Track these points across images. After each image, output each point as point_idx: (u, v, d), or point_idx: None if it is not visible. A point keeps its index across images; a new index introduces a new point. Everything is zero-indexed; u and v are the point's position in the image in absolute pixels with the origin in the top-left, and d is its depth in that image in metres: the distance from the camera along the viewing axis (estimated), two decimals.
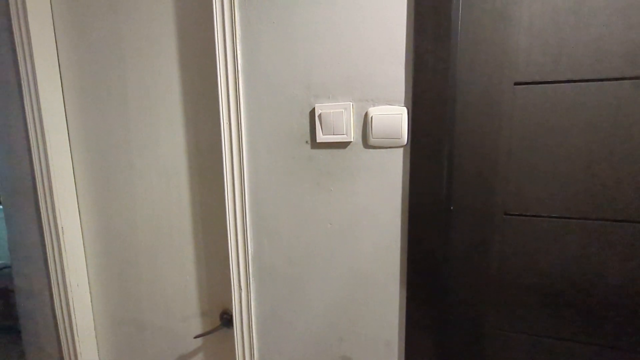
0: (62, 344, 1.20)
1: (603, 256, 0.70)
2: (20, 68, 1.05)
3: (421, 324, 0.78)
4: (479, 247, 0.77)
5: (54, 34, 1.08)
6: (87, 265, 1.20)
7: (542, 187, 0.71)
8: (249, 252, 0.89)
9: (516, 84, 0.70)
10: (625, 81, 0.65)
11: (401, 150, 0.74)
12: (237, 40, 0.81)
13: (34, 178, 1.12)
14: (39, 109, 1.06)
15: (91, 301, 1.22)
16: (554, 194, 0.71)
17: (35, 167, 1.10)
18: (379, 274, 0.80)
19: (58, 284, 1.15)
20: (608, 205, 0.68)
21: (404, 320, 0.79)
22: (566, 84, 0.68)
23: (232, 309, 0.93)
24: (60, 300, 1.17)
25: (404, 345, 0.80)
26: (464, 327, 0.80)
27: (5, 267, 2.64)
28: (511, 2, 0.68)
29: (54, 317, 1.21)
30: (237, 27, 0.81)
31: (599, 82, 0.66)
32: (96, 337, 1.24)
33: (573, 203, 0.70)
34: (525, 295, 0.75)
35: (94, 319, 1.24)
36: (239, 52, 0.82)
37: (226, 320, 1.01)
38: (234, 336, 0.94)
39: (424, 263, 0.75)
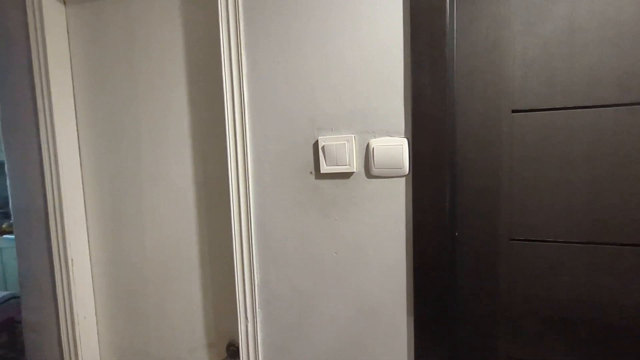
0: None
1: (612, 281, 0.69)
2: (37, 101, 1.10)
3: (430, 353, 0.76)
4: (485, 273, 0.76)
5: (70, 70, 1.14)
6: (94, 297, 1.20)
7: (546, 212, 0.72)
8: (256, 281, 0.89)
9: (514, 111, 0.72)
10: (621, 107, 0.66)
11: (403, 179, 0.75)
12: (244, 77, 0.85)
13: (46, 209, 1.15)
14: (54, 144, 1.10)
15: (98, 333, 1.22)
16: (558, 219, 0.71)
17: (48, 199, 1.13)
18: (386, 303, 0.79)
19: (66, 316, 1.16)
20: (614, 228, 0.68)
21: (412, 350, 0.78)
22: (562, 110, 0.70)
23: (238, 340, 0.92)
24: (67, 333, 1.16)
25: None
26: (475, 356, 0.79)
27: (12, 298, 2.63)
28: (504, 34, 0.71)
29: (60, 349, 1.20)
30: (243, 65, 0.85)
31: (595, 109, 0.68)
32: None
33: (578, 227, 0.70)
34: (535, 322, 0.74)
35: (100, 352, 1.22)
36: (245, 88, 0.85)
37: (233, 351, 1.00)
38: None
39: (431, 291, 0.75)
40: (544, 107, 0.70)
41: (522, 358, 0.76)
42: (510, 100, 0.72)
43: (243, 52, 0.85)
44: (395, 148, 0.74)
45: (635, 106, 0.65)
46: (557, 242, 0.72)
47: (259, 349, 0.91)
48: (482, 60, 0.73)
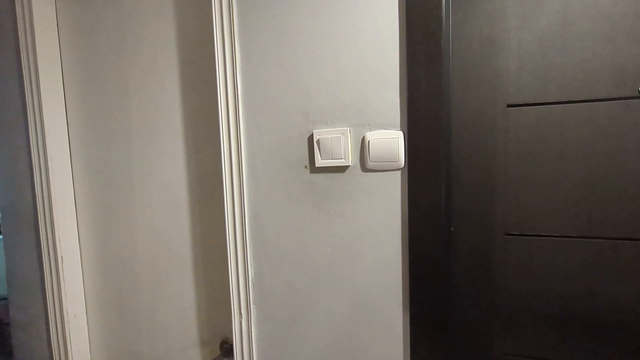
0: None
1: (608, 275, 0.69)
2: (26, 96, 1.08)
3: (426, 350, 0.76)
4: (481, 268, 0.76)
5: (60, 65, 1.12)
6: (85, 295, 1.18)
7: (541, 206, 0.72)
8: (250, 277, 0.88)
9: (509, 105, 0.72)
10: (614, 102, 0.67)
11: (399, 173, 0.75)
12: (237, 71, 0.84)
13: (35, 207, 1.13)
14: (43, 139, 1.08)
15: (88, 332, 1.19)
16: (553, 213, 0.71)
17: (37, 196, 1.11)
18: (381, 298, 0.78)
19: (55, 315, 1.13)
20: (608, 223, 0.68)
21: (408, 346, 0.77)
22: (557, 105, 0.70)
23: (232, 337, 0.91)
24: (57, 332, 1.14)
25: None
26: (471, 352, 0.78)
27: (1, 299, 2.58)
28: (499, 28, 0.71)
29: (50, 349, 1.18)
30: (237, 59, 0.84)
31: (589, 103, 0.68)
32: None
33: (573, 222, 0.70)
34: (531, 318, 0.74)
35: (90, 351, 1.20)
36: (239, 81, 0.84)
37: (227, 350, 0.99)
38: None
39: (426, 286, 0.74)
40: (538, 102, 0.71)
41: (517, 353, 0.76)
42: (505, 95, 0.72)
43: (237, 45, 0.84)
44: (390, 141, 0.73)
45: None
46: (553, 236, 0.72)
47: (254, 345, 0.90)
48: (477, 55, 0.73)
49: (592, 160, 0.68)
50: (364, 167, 0.77)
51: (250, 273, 0.88)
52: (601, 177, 0.68)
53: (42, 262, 1.13)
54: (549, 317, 0.73)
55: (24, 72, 1.07)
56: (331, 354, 0.84)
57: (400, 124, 0.74)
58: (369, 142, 0.75)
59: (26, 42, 1.06)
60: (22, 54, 1.07)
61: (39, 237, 1.12)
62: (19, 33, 1.06)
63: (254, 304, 0.89)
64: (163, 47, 0.99)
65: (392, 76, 0.73)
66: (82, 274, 1.17)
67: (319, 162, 0.79)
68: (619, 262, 0.68)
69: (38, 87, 1.06)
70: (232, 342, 0.93)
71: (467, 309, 0.78)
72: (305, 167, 0.82)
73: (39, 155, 1.09)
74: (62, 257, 1.11)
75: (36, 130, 1.08)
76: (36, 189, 1.11)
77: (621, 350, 0.69)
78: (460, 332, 0.79)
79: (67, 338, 1.13)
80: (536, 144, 0.71)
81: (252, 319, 0.89)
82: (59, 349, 1.15)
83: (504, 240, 0.74)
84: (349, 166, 0.78)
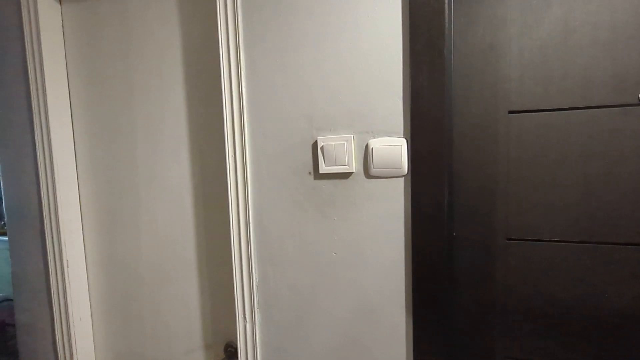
0: None
1: (607, 279, 0.70)
2: (32, 100, 1.09)
3: (429, 352, 0.77)
4: (483, 272, 0.77)
5: (65, 70, 1.12)
6: (90, 298, 1.19)
7: (542, 212, 0.73)
8: (254, 281, 0.89)
9: (510, 112, 0.73)
10: (615, 108, 0.67)
11: (402, 179, 0.76)
12: (242, 77, 0.85)
13: (41, 210, 1.14)
14: (49, 144, 1.09)
15: (93, 335, 1.20)
16: (554, 218, 0.72)
17: (43, 200, 1.12)
18: (385, 302, 0.79)
19: (61, 318, 1.14)
20: (608, 228, 0.69)
21: (411, 350, 0.78)
22: (558, 111, 0.71)
23: (236, 341, 0.92)
24: (62, 335, 1.15)
25: None
26: (473, 355, 0.79)
27: (4, 300, 2.59)
28: (500, 36, 0.72)
29: (55, 352, 1.18)
30: (242, 66, 0.85)
31: (590, 110, 0.69)
32: None
33: (574, 227, 0.71)
34: (532, 321, 0.75)
35: (95, 354, 1.21)
36: (244, 87, 0.85)
37: (231, 353, 0.99)
38: None
39: (429, 291, 0.75)
40: (539, 108, 0.71)
41: (518, 356, 0.76)
42: (506, 101, 0.73)
43: (242, 51, 0.85)
44: (394, 148, 0.74)
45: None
46: (554, 241, 0.72)
47: (258, 349, 0.90)
48: (479, 62, 0.73)
49: (592, 166, 0.69)
50: (368, 174, 0.78)
51: (254, 277, 0.89)
52: (602, 182, 0.69)
53: (48, 266, 1.14)
54: (549, 320, 0.74)
55: (30, 77, 1.08)
56: (335, 357, 0.85)
57: (404, 131, 0.74)
58: (372, 149, 0.76)
59: (32, 48, 1.07)
60: (28, 59, 1.08)
61: (45, 240, 1.13)
62: (25, 38, 1.07)
63: (258, 307, 0.90)
64: (168, 53, 1.00)
65: (395, 84, 0.74)
66: (87, 277, 1.18)
67: (323, 168, 0.80)
68: (619, 266, 0.69)
69: (44, 92, 1.07)
70: (236, 345, 0.93)
71: (469, 313, 0.79)
72: (309, 173, 0.83)
73: (44, 160, 1.10)
74: (67, 260, 1.12)
75: (42, 135, 1.09)
76: (42, 193, 1.11)
77: (621, 354, 0.70)
78: (462, 335, 0.80)
79: (72, 341, 1.14)
80: (537, 150, 0.72)
81: (257, 323, 0.90)
82: (64, 352, 1.16)
83: (505, 244, 0.75)
84: (352, 173, 0.79)
